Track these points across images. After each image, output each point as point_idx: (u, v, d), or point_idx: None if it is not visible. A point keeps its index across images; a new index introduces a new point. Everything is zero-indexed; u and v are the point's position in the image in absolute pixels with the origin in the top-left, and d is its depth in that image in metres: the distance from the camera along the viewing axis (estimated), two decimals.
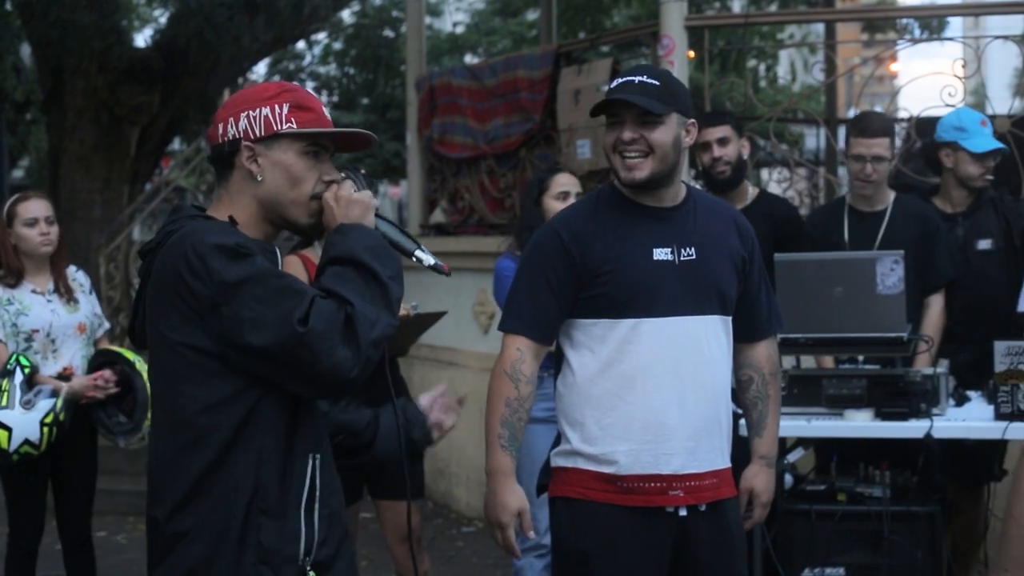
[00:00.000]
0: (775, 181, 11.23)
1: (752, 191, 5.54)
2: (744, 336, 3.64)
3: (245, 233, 2.61)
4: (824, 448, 5.14)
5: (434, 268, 2.76)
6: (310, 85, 22.64)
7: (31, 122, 17.14)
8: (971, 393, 5.03)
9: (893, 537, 4.63)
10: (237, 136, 2.65)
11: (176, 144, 17.33)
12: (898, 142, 7.42)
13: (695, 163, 5.61)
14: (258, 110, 2.65)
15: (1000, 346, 4.66)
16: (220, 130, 2.68)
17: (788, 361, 5.29)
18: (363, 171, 2.80)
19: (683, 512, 3.45)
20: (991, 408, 4.71)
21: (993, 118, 6.56)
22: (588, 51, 8.96)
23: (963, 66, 7.01)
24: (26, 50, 13.24)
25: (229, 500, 2.52)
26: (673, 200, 3.51)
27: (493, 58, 12.68)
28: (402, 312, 4.73)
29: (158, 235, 2.66)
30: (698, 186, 5.30)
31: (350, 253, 2.56)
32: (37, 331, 5.21)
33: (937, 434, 4.57)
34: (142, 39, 15.73)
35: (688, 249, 3.46)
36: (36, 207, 5.29)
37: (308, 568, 2.57)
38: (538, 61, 7.87)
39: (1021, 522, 3.14)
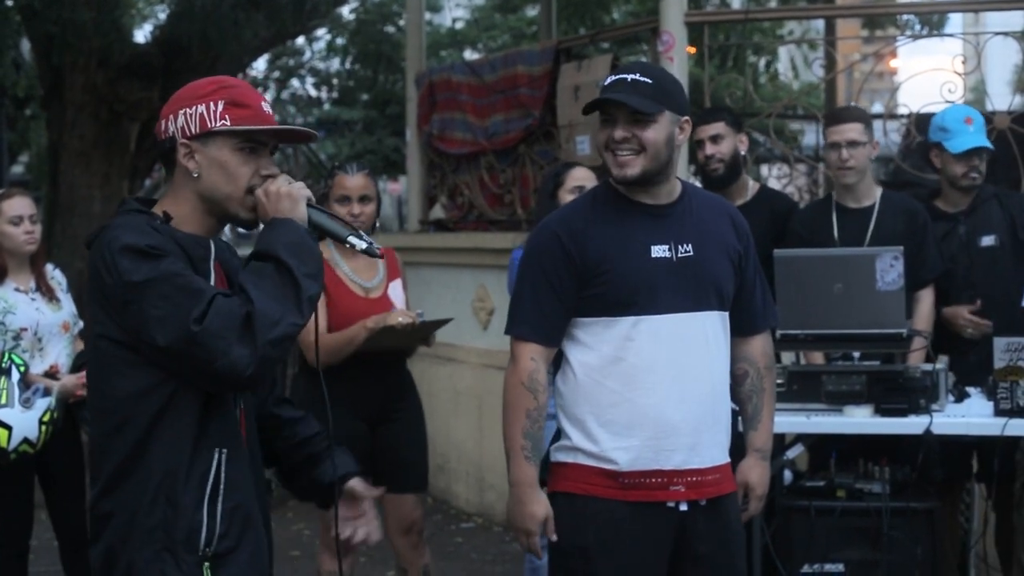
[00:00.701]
0: (775, 177, 11.24)
1: (753, 186, 5.54)
2: (739, 330, 3.64)
3: (181, 229, 2.69)
4: (822, 445, 5.14)
5: (367, 252, 2.80)
6: (309, 81, 22.62)
7: (31, 118, 17.13)
8: (971, 389, 5.02)
9: (892, 533, 4.63)
10: (175, 133, 2.72)
11: None
12: (897, 138, 7.43)
13: (695, 159, 5.61)
14: (194, 108, 2.72)
15: (999, 342, 4.66)
16: (162, 127, 2.76)
17: (788, 357, 5.30)
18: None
19: (684, 507, 3.46)
20: (991, 404, 4.71)
21: (993, 114, 6.56)
22: (588, 47, 8.96)
23: (963, 62, 7.00)
24: (26, 46, 13.23)
25: (142, 488, 2.63)
26: (669, 197, 3.51)
27: (493, 54, 12.67)
28: (407, 320, 4.74)
29: (98, 228, 2.72)
30: (696, 182, 5.30)
31: (269, 249, 2.62)
32: (25, 329, 5.17)
33: (937, 430, 4.58)
34: (142, 35, 15.71)
35: (685, 245, 3.47)
36: (20, 205, 5.25)
37: (205, 560, 2.64)
38: (538, 57, 7.87)
39: None
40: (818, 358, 5.25)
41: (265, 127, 2.73)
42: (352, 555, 4.96)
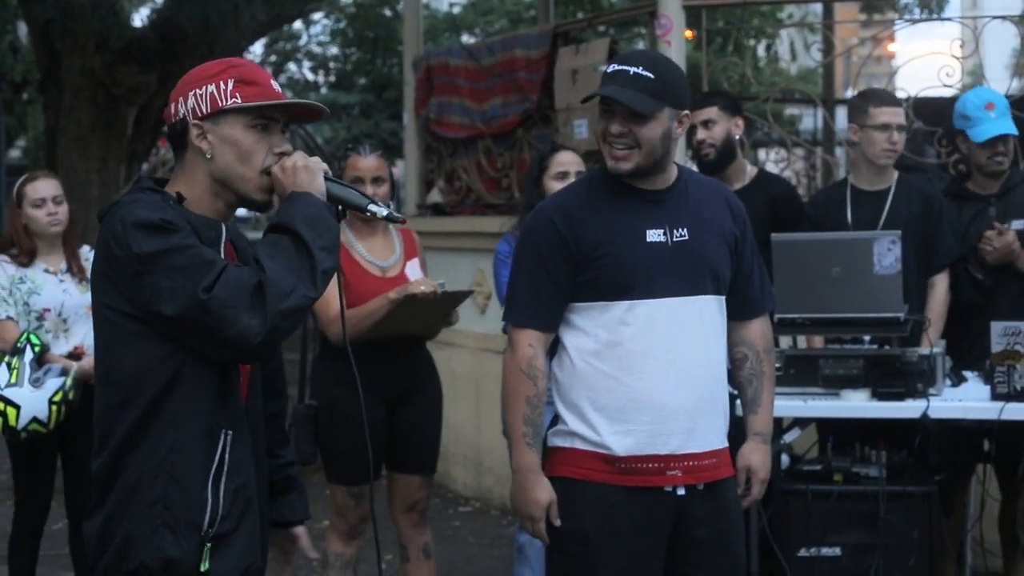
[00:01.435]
0: (772, 161, 11.24)
1: (751, 170, 5.50)
2: (738, 314, 3.64)
3: (192, 210, 2.69)
4: (819, 429, 5.15)
5: (388, 218, 2.82)
6: (306, 65, 22.59)
7: (28, 102, 17.13)
8: (968, 373, 5.03)
9: (889, 517, 4.63)
10: (186, 115, 2.72)
11: None
12: None
13: (691, 143, 5.58)
14: (204, 88, 2.72)
15: (997, 326, 4.66)
16: (172, 110, 2.75)
17: (785, 341, 5.30)
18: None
19: (681, 492, 3.46)
20: (988, 388, 4.72)
21: None
22: (586, 31, 8.95)
23: (961, 46, 6.98)
24: (23, 29, 13.21)
25: (145, 461, 2.63)
26: (665, 182, 3.51)
27: (490, 38, 12.65)
28: (429, 289, 4.71)
29: (110, 204, 2.73)
30: (692, 166, 5.28)
31: (287, 221, 2.63)
32: (48, 310, 5.24)
33: (934, 414, 4.58)
34: (139, 19, 15.68)
35: (680, 230, 3.46)
36: (44, 187, 5.35)
37: (207, 541, 2.65)
38: (535, 41, 7.85)
39: None
40: (819, 343, 5.25)
41: (276, 102, 2.74)
42: (360, 538, 4.99)
